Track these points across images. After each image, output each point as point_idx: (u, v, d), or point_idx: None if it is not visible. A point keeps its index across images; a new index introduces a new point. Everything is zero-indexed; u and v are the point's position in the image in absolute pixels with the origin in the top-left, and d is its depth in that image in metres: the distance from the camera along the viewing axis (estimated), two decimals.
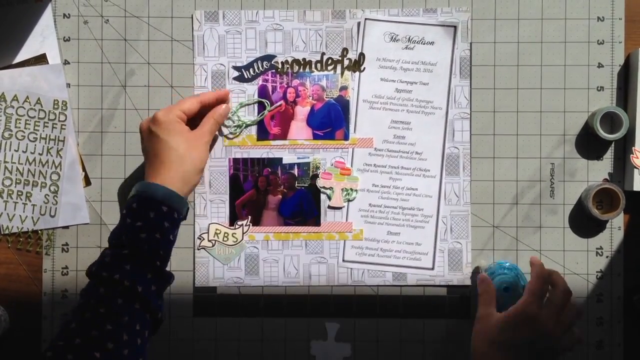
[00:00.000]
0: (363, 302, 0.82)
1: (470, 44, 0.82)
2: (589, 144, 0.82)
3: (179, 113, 0.74)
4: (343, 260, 0.82)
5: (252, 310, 0.82)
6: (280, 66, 0.82)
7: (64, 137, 0.81)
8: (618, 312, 0.82)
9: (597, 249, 0.82)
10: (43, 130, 0.81)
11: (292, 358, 0.82)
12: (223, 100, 0.79)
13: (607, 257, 0.82)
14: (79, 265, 0.82)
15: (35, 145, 0.81)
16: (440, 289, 0.82)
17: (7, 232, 0.81)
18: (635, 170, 0.79)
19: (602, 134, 0.79)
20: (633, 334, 0.82)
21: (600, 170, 0.82)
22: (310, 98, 0.82)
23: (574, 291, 0.81)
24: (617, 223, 0.82)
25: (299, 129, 0.82)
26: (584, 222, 0.82)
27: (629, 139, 0.81)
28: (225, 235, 0.82)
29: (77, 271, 0.82)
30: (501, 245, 0.82)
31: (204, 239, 0.82)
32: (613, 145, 0.82)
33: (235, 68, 0.82)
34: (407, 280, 0.82)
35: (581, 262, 0.82)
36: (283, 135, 0.82)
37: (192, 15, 0.82)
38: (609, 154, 0.82)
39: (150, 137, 0.73)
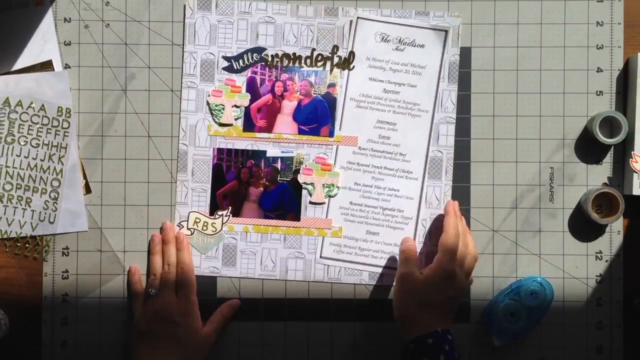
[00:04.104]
0: (362, 305, 0.82)
1: (461, 48, 0.82)
2: (588, 148, 0.83)
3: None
4: (320, 257, 0.82)
5: (252, 314, 0.82)
6: (270, 59, 0.82)
7: (66, 144, 0.81)
8: (618, 316, 0.82)
9: (596, 253, 0.82)
10: (46, 137, 0.81)
11: None
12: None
13: (606, 261, 0.82)
14: (79, 269, 0.82)
15: (37, 151, 0.81)
16: None
17: (5, 236, 0.81)
18: (635, 175, 0.79)
19: (602, 138, 0.80)
20: (633, 338, 0.82)
21: (599, 175, 0.83)
22: (298, 93, 0.83)
23: (574, 295, 0.82)
24: (616, 227, 0.82)
25: (285, 123, 0.83)
26: (583, 226, 0.82)
27: (628, 143, 0.81)
28: (205, 224, 0.82)
29: (77, 275, 0.82)
30: (501, 249, 0.82)
31: (183, 226, 0.82)
32: (612, 149, 0.82)
33: (225, 58, 0.82)
34: (384, 281, 0.82)
35: (580, 266, 0.82)
36: (269, 129, 0.82)
37: (184, 4, 0.82)
38: (608, 158, 0.82)
39: (172, 328, 0.77)
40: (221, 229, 0.82)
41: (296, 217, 0.82)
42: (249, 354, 0.82)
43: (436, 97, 0.82)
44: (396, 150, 0.82)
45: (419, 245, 0.82)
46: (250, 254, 0.82)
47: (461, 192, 0.83)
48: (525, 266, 0.82)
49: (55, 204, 0.81)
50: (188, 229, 0.82)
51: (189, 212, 0.82)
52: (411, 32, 0.82)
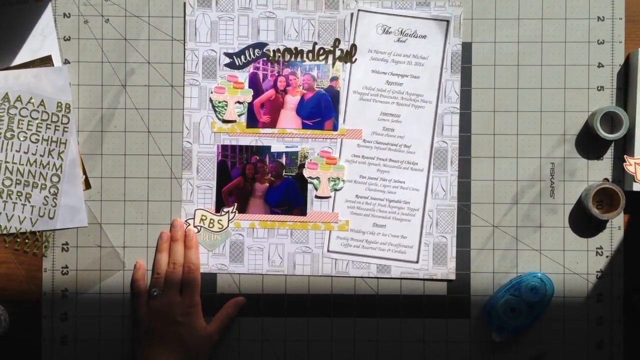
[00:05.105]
0: (363, 302, 0.82)
1: (463, 43, 0.82)
2: (589, 143, 0.82)
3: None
4: (328, 251, 0.82)
5: (252, 310, 0.82)
6: (271, 54, 0.82)
7: (66, 140, 0.81)
8: (618, 312, 0.82)
9: (597, 248, 0.82)
10: (45, 132, 0.81)
11: (292, 358, 0.82)
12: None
13: (607, 256, 0.82)
14: (79, 264, 0.82)
15: (37, 146, 0.81)
16: (441, 289, 0.82)
17: (5, 232, 0.81)
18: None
19: (602, 133, 0.80)
20: (633, 334, 0.82)
21: (600, 170, 0.82)
22: (301, 87, 0.82)
23: (574, 291, 0.82)
24: (617, 223, 0.82)
25: (289, 118, 0.83)
26: (584, 222, 0.82)
27: (629, 138, 0.81)
28: (211, 221, 0.82)
29: (77, 270, 0.82)
30: (501, 244, 0.82)
31: (189, 224, 0.82)
32: (613, 145, 0.82)
33: (227, 55, 0.82)
34: (391, 272, 0.82)
35: (581, 262, 0.82)
36: (272, 124, 0.82)
37: (184, 0, 0.82)
38: (609, 154, 0.82)
39: (179, 332, 0.77)
40: (228, 226, 0.82)
41: (302, 211, 0.82)
42: (248, 349, 0.82)
43: (439, 87, 0.82)
44: (401, 142, 0.82)
45: (425, 237, 0.82)
46: (258, 250, 0.82)
47: (462, 187, 0.82)
48: (526, 262, 0.82)
49: (54, 200, 0.81)
50: (195, 226, 0.82)
51: (195, 210, 0.82)
52: (412, 23, 0.82)
